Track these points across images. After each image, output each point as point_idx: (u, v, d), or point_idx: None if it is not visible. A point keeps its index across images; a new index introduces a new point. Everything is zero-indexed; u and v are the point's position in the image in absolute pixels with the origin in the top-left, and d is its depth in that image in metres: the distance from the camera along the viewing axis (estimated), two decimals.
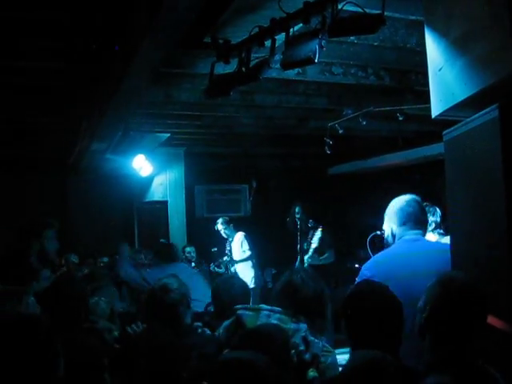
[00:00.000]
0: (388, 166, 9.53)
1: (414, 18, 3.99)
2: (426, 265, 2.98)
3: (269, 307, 2.90)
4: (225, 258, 8.80)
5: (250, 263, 8.59)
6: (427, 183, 8.75)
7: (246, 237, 8.64)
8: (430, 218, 4.45)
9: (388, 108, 6.45)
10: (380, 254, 3.43)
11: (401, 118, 6.56)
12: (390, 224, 3.46)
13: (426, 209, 4.36)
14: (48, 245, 4.32)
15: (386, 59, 5.00)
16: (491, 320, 2.15)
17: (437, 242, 3.87)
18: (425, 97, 6.01)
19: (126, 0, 3.43)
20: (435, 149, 7.90)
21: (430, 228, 4.41)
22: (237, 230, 8.81)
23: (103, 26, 3.83)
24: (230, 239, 8.79)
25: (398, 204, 3.46)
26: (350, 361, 2.09)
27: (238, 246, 8.65)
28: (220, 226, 8.75)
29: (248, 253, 8.55)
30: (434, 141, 7.93)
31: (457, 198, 2.55)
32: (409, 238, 3.31)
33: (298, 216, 8.38)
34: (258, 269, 8.64)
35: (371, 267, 3.25)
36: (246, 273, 8.36)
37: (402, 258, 3.18)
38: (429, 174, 8.71)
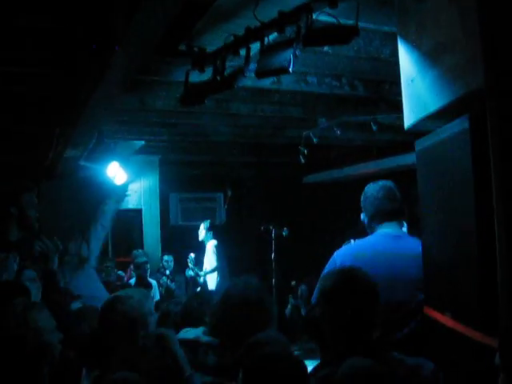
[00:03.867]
0: (362, 174, 9.59)
1: (387, 29, 4.03)
2: (405, 269, 2.93)
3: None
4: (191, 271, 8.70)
5: (215, 274, 8.58)
6: (401, 192, 8.82)
7: (216, 247, 8.58)
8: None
9: (362, 118, 6.52)
10: (357, 244, 3.31)
11: (375, 128, 6.62)
12: (366, 214, 3.37)
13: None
14: (28, 210, 4.05)
15: (361, 69, 5.05)
16: (463, 329, 2.18)
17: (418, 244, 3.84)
18: (398, 107, 6.10)
19: (100, 8, 3.39)
20: (408, 158, 7.98)
21: None
22: (212, 238, 8.80)
23: (78, 34, 3.79)
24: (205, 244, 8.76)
25: (370, 192, 3.35)
26: (343, 370, 1.97)
27: (208, 254, 8.61)
28: (202, 228, 8.69)
29: (214, 264, 8.51)
30: (407, 150, 8.01)
31: (429, 208, 2.58)
32: (388, 231, 3.20)
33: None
34: (226, 280, 8.52)
35: (348, 258, 3.09)
36: (213, 283, 8.37)
37: (382, 257, 3.03)
38: (402, 182, 8.77)
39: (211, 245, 8.64)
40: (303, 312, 7.73)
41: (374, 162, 9.11)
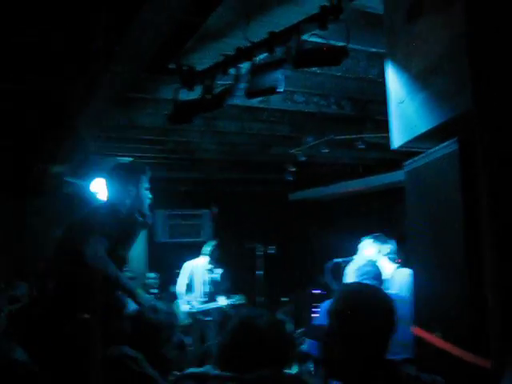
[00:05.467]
0: (348, 192, 9.64)
1: (374, 50, 4.10)
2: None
3: None
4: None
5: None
6: (387, 210, 8.89)
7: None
8: (387, 246, 4.56)
9: (349, 136, 6.57)
10: None
11: (361, 147, 6.68)
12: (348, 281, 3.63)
13: (379, 238, 4.48)
14: None
15: (348, 89, 5.10)
16: (454, 350, 2.19)
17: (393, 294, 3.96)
18: (384, 126, 6.18)
19: (90, 25, 3.40)
20: (394, 176, 8.05)
21: (383, 253, 4.53)
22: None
23: (68, 50, 3.79)
24: None
25: (356, 264, 3.68)
26: None
27: (216, 281, 8.18)
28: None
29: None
30: (393, 168, 8.08)
31: (417, 229, 2.60)
32: None
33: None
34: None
35: None
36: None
37: None
38: (388, 200, 8.85)
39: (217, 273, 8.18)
40: (289, 328, 7.73)
41: (360, 180, 9.15)
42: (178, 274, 8.06)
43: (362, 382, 2.02)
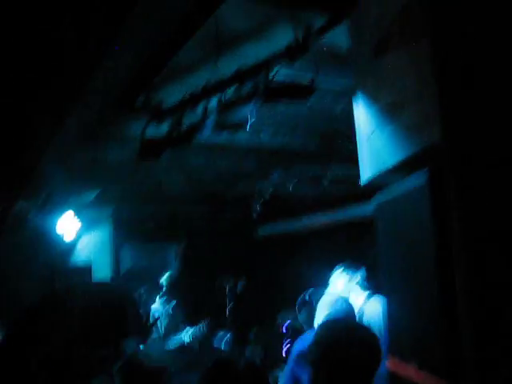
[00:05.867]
0: (315, 226, 9.68)
1: (341, 86, 4.17)
2: None
3: None
4: None
5: None
6: (354, 242, 8.93)
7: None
8: (354, 274, 4.57)
9: (314, 171, 6.63)
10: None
11: (327, 182, 6.74)
12: (319, 317, 3.56)
13: (351, 268, 4.49)
14: None
15: (314, 125, 5.17)
16: (429, 379, 2.19)
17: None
18: (350, 161, 6.26)
19: (56, 61, 3.39)
20: (361, 210, 8.13)
21: (354, 281, 4.52)
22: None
23: (33, 86, 3.76)
24: None
25: (327, 300, 3.63)
26: None
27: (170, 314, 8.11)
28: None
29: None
30: (359, 202, 8.16)
31: (388, 260, 2.61)
32: None
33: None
34: None
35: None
36: None
37: None
38: (356, 233, 8.90)
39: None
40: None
41: (326, 215, 9.21)
42: None
43: None
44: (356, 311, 4.25)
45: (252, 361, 2.74)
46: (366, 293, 4.52)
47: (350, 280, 4.53)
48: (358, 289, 4.51)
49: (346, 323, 2.29)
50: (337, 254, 8.86)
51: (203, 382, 2.44)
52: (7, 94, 3.97)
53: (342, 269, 4.54)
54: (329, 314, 3.54)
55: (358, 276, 4.54)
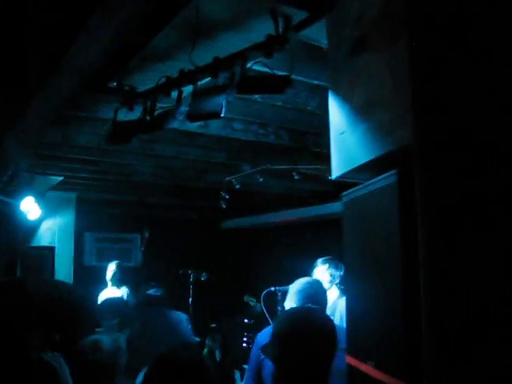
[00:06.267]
0: (282, 222, 9.73)
1: (316, 82, 4.18)
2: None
3: None
4: None
5: None
6: (320, 240, 9.00)
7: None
8: (336, 273, 4.59)
9: (285, 167, 6.64)
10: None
11: (296, 177, 6.76)
12: (291, 304, 3.58)
13: (334, 264, 4.51)
14: None
15: (287, 119, 5.17)
16: (386, 379, 2.20)
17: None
18: (320, 158, 6.32)
19: (27, 40, 3.32)
20: (327, 208, 8.19)
21: (335, 281, 4.54)
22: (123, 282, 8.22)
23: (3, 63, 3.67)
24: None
25: (299, 285, 3.62)
26: None
27: None
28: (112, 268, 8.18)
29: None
30: (327, 200, 8.22)
31: (354, 259, 2.63)
32: None
33: None
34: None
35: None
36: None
37: None
38: (321, 231, 8.97)
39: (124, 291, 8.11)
40: (217, 356, 7.65)
41: (293, 211, 9.26)
42: None
43: None
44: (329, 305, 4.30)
45: (200, 356, 2.69)
46: (339, 292, 4.57)
47: (333, 278, 4.55)
48: (334, 287, 4.54)
49: (303, 313, 2.31)
50: (302, 250, 8.95)
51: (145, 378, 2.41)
52: None
53: (326, 265, 4.53)
54: (298, 300, 3.52)
55: (340, 275, 4.56)
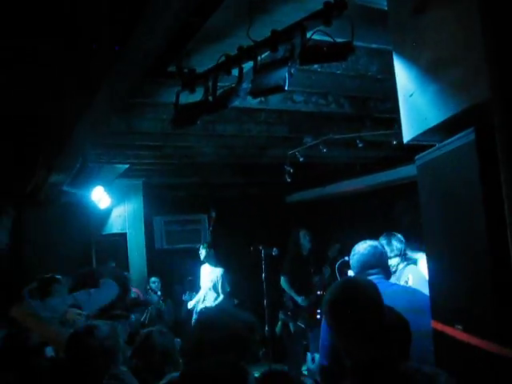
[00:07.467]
0: (346, 192, 9.63)
1: (375, 46, 4.09)
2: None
3: None
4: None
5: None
6: (385, 208, 8.88)
7: (223, 275, 8.13)
8: (399, 245, 4.53)
9: (347, 135, 6.55)
10: None
11: (360, 145, 6.66)
12: (352, 269, 3.61)
13: (386, 240, 4.46)
14: None
15: (347, 87, 5.08)
16: (477, 342, 2.17)
17: (396, 284, 3.93)
18: (383, 123, 6.20)
19: (91, 30, 3.37)
20: (393, 174, 8.05)
21: (397, 253, 4.49)
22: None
23: (67, 56, 3.75)
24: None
25: (355, 252, 3.60)
26: None
27: (214, 283, 8.15)
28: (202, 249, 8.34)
29: (220, 290, 8.07)
30: (391, 166, 8.08)
31: (433, 222, 2.57)
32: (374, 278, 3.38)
33: (304, 244, 8.17)
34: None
35: None
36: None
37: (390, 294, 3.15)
38: (387, 199, 8.84)
39: (219, 272, 8.21)
40: (292, 328, 7.72)
41: (356, 180, 9.14)
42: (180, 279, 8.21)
43: (361, 373, 2.09)
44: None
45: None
46: (404, 264, 4.52)
47: (395, 251, 4.50)
48: (398, 258, 4.50)
49: (350, 282, 2.49)
50: (368, 220, 8.85)
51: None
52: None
53: (386, 241, 4.47)
54: (360, 255, 3.51)
55: (393, 251, 4.50)
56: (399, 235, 4.62)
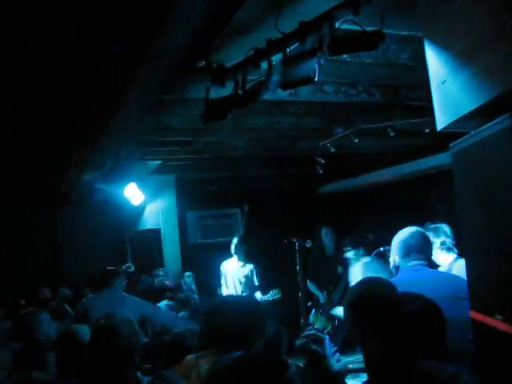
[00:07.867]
0: (378, 182, 9.55)
1: (405, 33, 4.03)
2: (428, 293, 2.95)
3: None
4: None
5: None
6: (419, 197, 8.78)
7: (253, 270, 7.95)
8: (440, 239, 4.43)
9: (379, 124, 6.49)
10: (401, 276, 3.45)
11: (392, 134, 6.58)
12: (394, 256, 3.58)
13: (433, 229, 4.36)
14: None
15: (377, 75, 5.02)
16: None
17: (437, 271, 3.86)
18: (415, 111, 6.11)
19: (122, 28, 3.39)
20: (426, 162, 7.95)
21: (443, 247, 4.39)
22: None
23: (98, 56, 3.78)
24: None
25: (401, 237, 3.57)
26: None
27: (247, 277, 7.97)
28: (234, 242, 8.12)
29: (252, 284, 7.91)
30: (423, 155, 7.98)
31: (469, 210, 2.53)
32: (410, 267, 3.40)
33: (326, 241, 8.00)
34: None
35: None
36: None
37: (403, 288, 3.12)
38: (421, 187, 8.74)
39: (248, 268, 8.16)
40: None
41: (389, 170, 9.05)
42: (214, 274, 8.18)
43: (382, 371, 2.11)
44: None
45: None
46: (453, 255, 4.41)
47: (442, 244, 4.42)
48: (441, 252, 4.40)
49: (371, 282, 2.47)
50: (401, 209, 8.76)
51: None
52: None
53: (432, 234, 4.37)
54: (402, 241, 3.48)
55: (439, 240, 4.41)
56: (447, 228, 4.50)
